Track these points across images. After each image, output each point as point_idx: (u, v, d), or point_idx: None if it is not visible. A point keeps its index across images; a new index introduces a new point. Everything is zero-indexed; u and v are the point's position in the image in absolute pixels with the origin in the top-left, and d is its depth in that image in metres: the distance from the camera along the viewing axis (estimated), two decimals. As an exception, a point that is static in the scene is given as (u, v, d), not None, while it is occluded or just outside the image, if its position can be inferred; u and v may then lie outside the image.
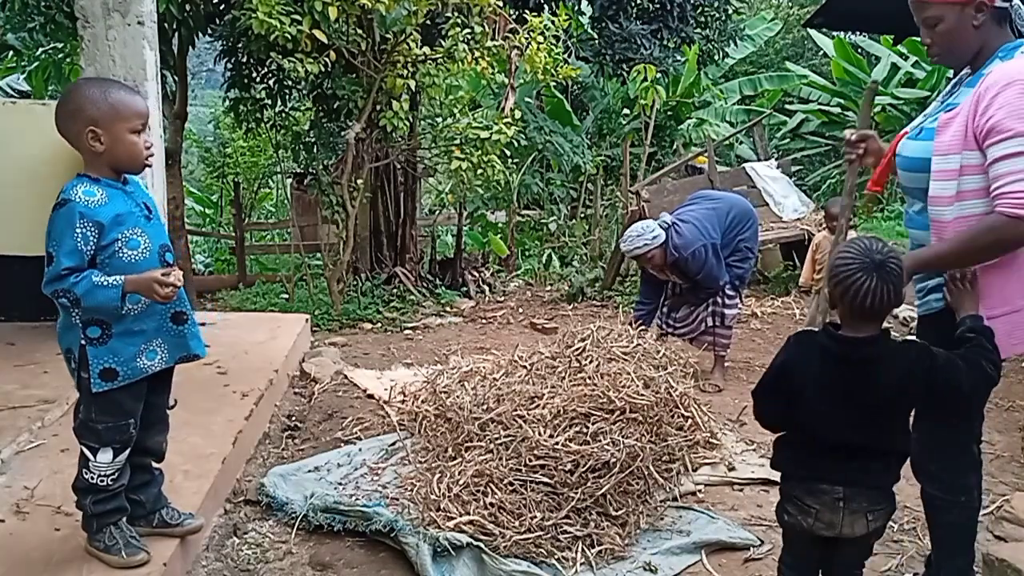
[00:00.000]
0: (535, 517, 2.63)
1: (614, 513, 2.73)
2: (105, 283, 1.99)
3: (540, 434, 2.83)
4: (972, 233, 1.94)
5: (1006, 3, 2.02)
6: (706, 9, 8.70)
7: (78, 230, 1.98)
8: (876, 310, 1.84)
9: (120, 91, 2.09)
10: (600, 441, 2.79)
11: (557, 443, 2.78)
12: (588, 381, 3.06)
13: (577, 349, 3.30)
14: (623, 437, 2.81)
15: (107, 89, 2.07)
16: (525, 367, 3.35)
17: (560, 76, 6.56)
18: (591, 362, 3.18)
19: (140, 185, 2.20)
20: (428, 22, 6.05)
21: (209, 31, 6.32)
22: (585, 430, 2.84)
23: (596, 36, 8.05)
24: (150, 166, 2.19)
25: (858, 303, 1.83)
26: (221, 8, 6.26)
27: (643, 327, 4.18)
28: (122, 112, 2.05)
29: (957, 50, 2.06)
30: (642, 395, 2.99)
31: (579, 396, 2.97)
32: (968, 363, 1.89)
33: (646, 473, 2.82)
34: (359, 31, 5.72)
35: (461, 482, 2.76)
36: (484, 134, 6.07)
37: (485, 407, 3.06)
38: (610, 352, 3.25)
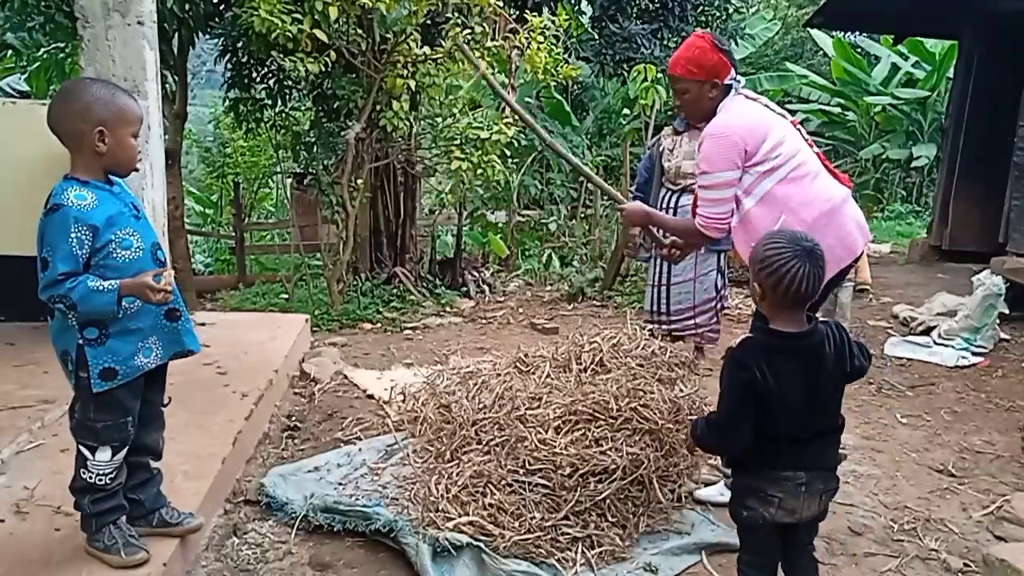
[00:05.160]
0: (535, 518, 2.62)
1: (611, 518, 2.72)
2: (101, 288, 2.00)
3: (539, 435, 2.82)
4: (686, 224, 2.96)
5: (732, 82, 2.79)
6: (706, 9, 8.70)
7: (73, 235, 1.98)
8: (808, 295, 1.92)
9: (124, 94, 2.13)
10: (602, 447, 2.76)
11: (556, 446, 2.77)
12: (599, 387, 3.00)
13: (588, 355, 3.24)
14: (627, 445, 2.77)
15: (113, 91, 2.11)
16: (526, 371, 3.34)
17: (560, 76, 6.54)
18: (606, 370, 3.12)
19: (124, 185, 2.22)
20: (428, 22, 6.04)
21: (208, 29, 6.31)
22: (587, 434, 2.82)
23: (596, 36, 8.04)
24: (138, 170, 2.22)
25: (793, 289, 1.89)
26: (221, 7, 6.26)
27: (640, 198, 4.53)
28: (128, 116, 2.10)
29: (699, 112, 2.86)
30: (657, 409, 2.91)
31: (583, 401, 2.94)
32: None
33: (646, 481, 2.79)
34: (359, 31, 5.72)
35: (460, 483, 2.76)
36: (484, 134, 6.06)
37: (486, 407, 3.05)
38: (628, 365, 3.14)
